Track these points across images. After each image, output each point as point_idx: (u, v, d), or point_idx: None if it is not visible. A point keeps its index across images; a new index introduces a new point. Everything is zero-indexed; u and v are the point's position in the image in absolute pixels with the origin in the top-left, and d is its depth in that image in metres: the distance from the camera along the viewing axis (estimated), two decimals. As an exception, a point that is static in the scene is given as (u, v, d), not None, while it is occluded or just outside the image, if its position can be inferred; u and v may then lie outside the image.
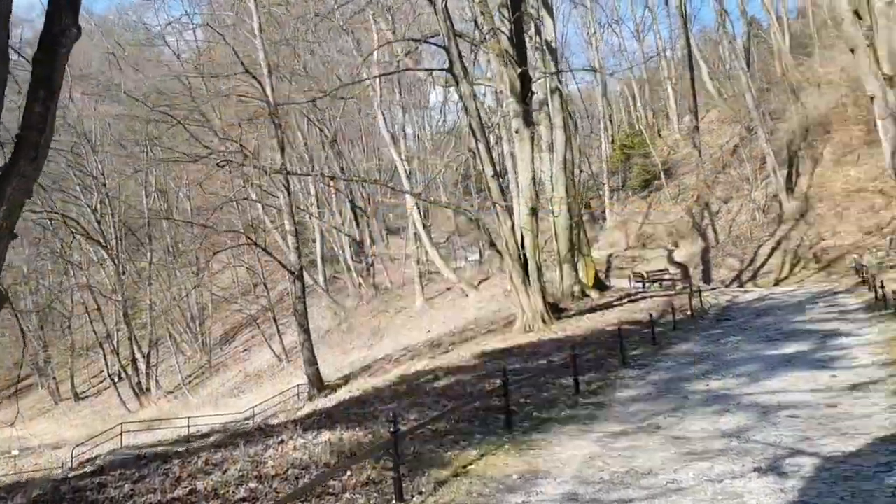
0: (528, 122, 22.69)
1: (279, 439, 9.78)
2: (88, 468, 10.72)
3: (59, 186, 48.50)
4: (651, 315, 16.68)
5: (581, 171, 38.70)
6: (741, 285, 32.16)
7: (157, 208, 55.03)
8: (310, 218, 51.05)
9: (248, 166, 32.25)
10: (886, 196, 30.62)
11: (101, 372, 51.09)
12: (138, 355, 48.00)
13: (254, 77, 29.30)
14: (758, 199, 39.50)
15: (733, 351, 13.46)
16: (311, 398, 26.36)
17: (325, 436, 9.53)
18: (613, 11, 61.89)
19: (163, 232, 55.50)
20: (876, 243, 28.57)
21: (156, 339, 51.11)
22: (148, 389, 46.80)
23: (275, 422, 17.43)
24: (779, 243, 34.74)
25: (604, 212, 53.01)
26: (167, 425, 32.89)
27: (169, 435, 31.72)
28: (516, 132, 22.81)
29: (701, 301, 21.96)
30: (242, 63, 29.14)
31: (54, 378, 51.98)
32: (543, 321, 20.72)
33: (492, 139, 30.87)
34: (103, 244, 47.27)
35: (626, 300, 25.15)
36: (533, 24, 27.31)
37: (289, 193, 31.06)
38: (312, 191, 50.03)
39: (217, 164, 30.85)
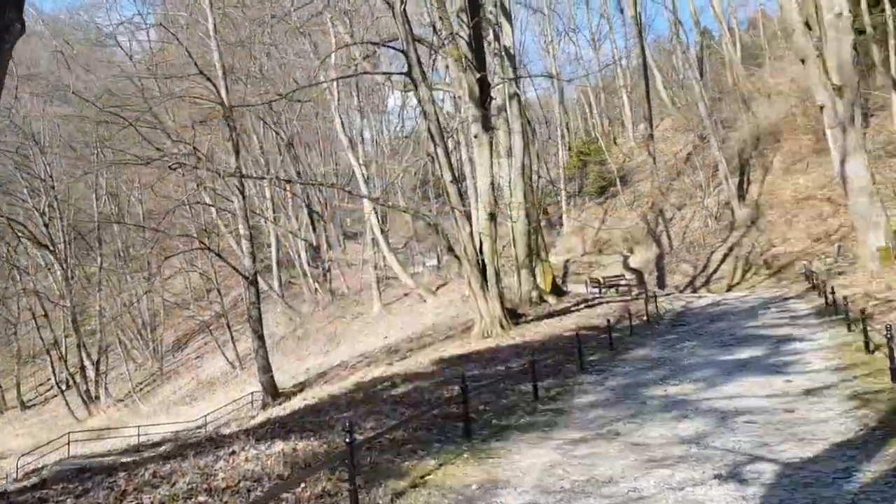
0: (487, 127, 22.67)
1: (231, 450, 9.47)
2: (31, 480, 10.26)
3: (6, 189, 47.07)
4: (608, 320, 16.74)
5: (539, 177, 38.87)
6: (695, 291, 32.64)
7: (108, 212, 53.80)
8: (265, 222, 50.38)
9: (202, 169, 31.59)
10: (834, 204, 31.41)
11: (49, 380, 49.58)
12: (87, 362, 46.68)
13: (208, 79, 28.76)
14: (710, 206, 40.21)
15: (689, 356, 13.54)
16: (265, 406, 25.89)
17: (279, 446, 9.25)
18: (570, 20, 62.71)
19: (113, 236, 54.23)
20: (824, 250, 29.25)
21: (105, 346, 49.84)
22: (97, 397, 45.56)
23: (227, 431, 17.00)
24: (731, 249, 35.39)
25: (561, 217, 53.44)
26: (117, 434, 32.05)
27: (118, 444, 30.85)
28: (475, 137, 22.77)
29: (656, 306, 22.20)
30: (196, 64, 28.58)
31: (0, 386, 50.28)
32: (502, 327, 20.67)
33: (450, 144, 30.78)
34: (51, 248, 45.92)
35: (583, 305, 25.30)
36: (491, 31, 27.36)
37: (243, 197, 30.56)
38: (268, 195, 49.35)
39: (170, 167, 30.16)
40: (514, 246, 26.90)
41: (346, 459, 6.92)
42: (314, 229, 53.90)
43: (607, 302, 26.24)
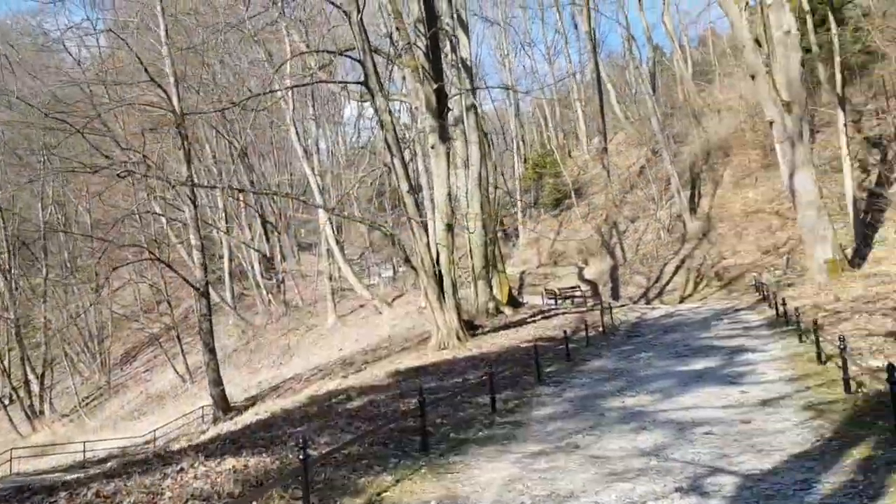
0: (445, 137, 22.61)
1: (179, 467, 9.11)
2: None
3: (-55, 196, 45.30)
4: (565, 332, 16.74)
5: (497, 188, 39.02)
6: (648, 302, 33.03)
7: (54, 221, 52.29)
8: (217, 233, 49.51)
9: (152, 178, 30.95)
10: (782, 217, 32.16)
11: (-10, 395, 47.72)
12: (31, 376, 45.22)
13: (159, 86, 28.19)
14: (663, 218, 40.83)
15: (646, 367, 13.58)
16: (215, 421, 25.29)
17: (230, 462, 8.94)
18: (526, 35, 63.31)
19: (60, 246, 52.71)
20: (773, 262, 29.89)
21: (50, 360, 48.34)
22: (41, 412, 44.11)
23: (176, 447, 16.50)
24: (683, 261, 35.94)
25: (517, 229, 53.72)
26: (62, 450, 31.11)
27: (63, 461, 29.93)
28: (432, 147, 22.68)
29: (612, 318, 22.32)
30: (147, 71, 27.96)
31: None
32: (458, 338, 20.54)
33: (407, 155, 30.69)
34: (-7, 259, 44.39)
35: (539, 317, 25.33)
36: (448, 42, 27.40)
37: (195, 207, 29.96)
38: (220, 204, 48.55)
39: (118, 175, 29.48)
40: (471, 257, 26.86)
41: (300, 476, 6.69)
42: (268, 240, 53.19)
43: (563, 313, 26.35)
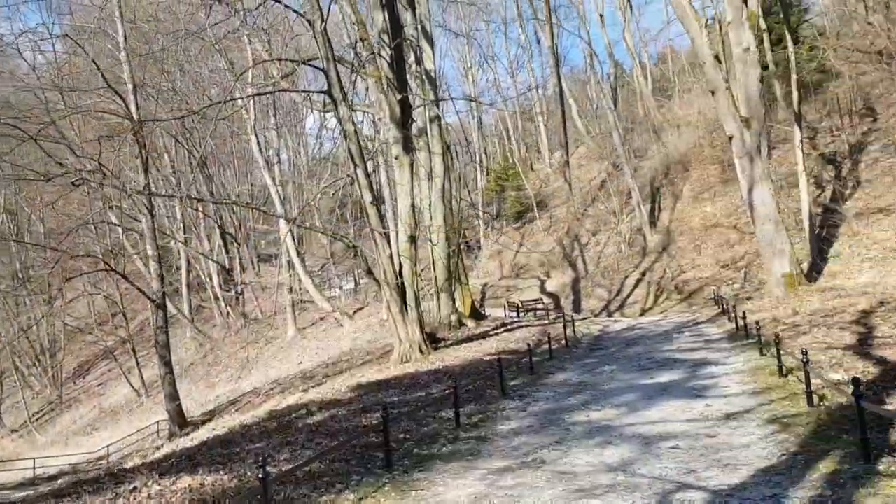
0: (408, 148, 22.48)
1: (132, 486, 8.77)
2: None
3: None
4: (528, 345, 16.67)
5: (461, 199, 39.01)
6: (609, 315, 33.22)
7: (5, 230, 50.89)
8: (175, 243, 48.56)
9: (108, 186, 30.18)
10: (740, 232, 32.68)
11: (-65, 409, 46.05)
12: (-23, 391, 43.66)
13: (117, 93, 27.57)
14: (624, 232, 41.20)
15: (609, 380, 13.55)
16: (171, 436, 24.62)
17: (185, 481, 8.63)
18: (489, 48, 63.68)
19: (11, 256, 51.26)
20: (731, 276, 30.31)
21: (0, 373, 46.78)
22: (-11, 428, 42.64)
23: (129, 464, 15.99)
24: (643, 274, 36.27)
25: (479, 241, 53.76)
26: (10, 467, 30.14)
27: (12, 478, 28.92)
28: (396, 158, 22.54)
29: (574, 330, 22.35)
30: (104, 77, 27.34)
31: None
32: (421, 351, 20.34)
33: (370, 166, 30.45)
34: (-62, 268, 42.90)
35: (502, 329, 25.26)
36: (413, 54, 27.32)
37: (152, 217, 29.29)
38: (179, 215, 47.68)
39: (73, 184, 28.68)
40: (434, 269, 26.68)
41: (259, 496, 6.45)
42: (227, 251, 52.39)
43: (526, 326, 26.32)
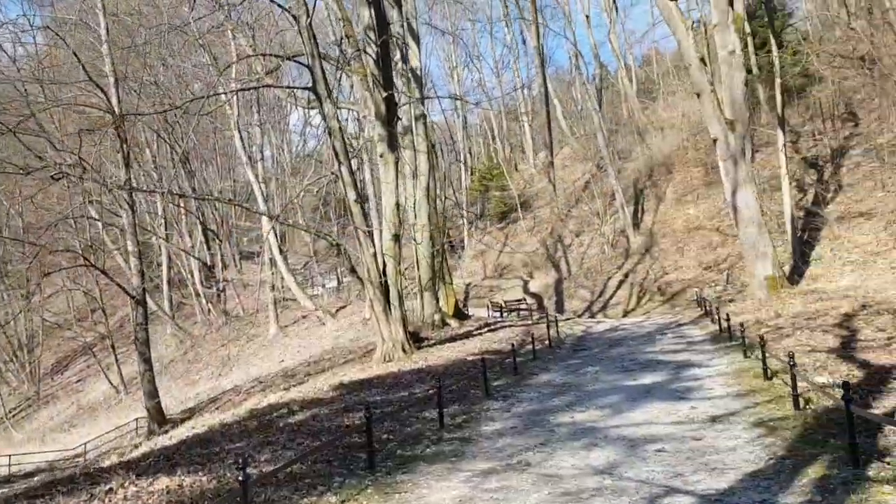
0: (394, 146, 22.32)
1: (108, 487, 8.56)
2: None
3: None
4: (512, 345, 16.61)
5: (446, 198, 38.88)
6: (592, 316, 33.26)
7: (-18, 225, 49.92)
8: (156, 239, 48.07)
9: (88, 181, 29.75)
10: (722, 234, 32.85)
11: None
12: (-48, 386, 42.96)
13: (98, 86, 27.19)
14: (607, 233, 41.30)
15: (593, 381, 13.49)
16: (150, 434, 24.33)
17: (163, 482, 8.44)
18: (474, 48, 63.54)
19: (-12, 251, 50.38)
20: (714, 278, 30.46)
21: (-26, 369, 46.13)
22: (-38, 425, 41.93)
23: (107, 462, 15.73)
24: (626, 276, 36.36)
25: (463, 241, 53.68)
26: (-15, 464, 29.50)
27: (-15, 476, 28.38)
28: (381, 156, 22.38)
29: (557, 331, 22.31)
30: (85, 70, 26.93)
31: None
32: (404, 350, 20.21)
33: (354, 164, 30.28)
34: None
35: (485, 329, 25.17)
36: (399, 52, 27.15)
37: (133, 212, 28.95)
38: (160, 210, 47.21)
39: (52, 178, 28.26)
40: (418, 268, 26.56)
41: (239, 498, 6.29)
42: (209, 248, 51.92)
43: (509, 326, 26.25)
